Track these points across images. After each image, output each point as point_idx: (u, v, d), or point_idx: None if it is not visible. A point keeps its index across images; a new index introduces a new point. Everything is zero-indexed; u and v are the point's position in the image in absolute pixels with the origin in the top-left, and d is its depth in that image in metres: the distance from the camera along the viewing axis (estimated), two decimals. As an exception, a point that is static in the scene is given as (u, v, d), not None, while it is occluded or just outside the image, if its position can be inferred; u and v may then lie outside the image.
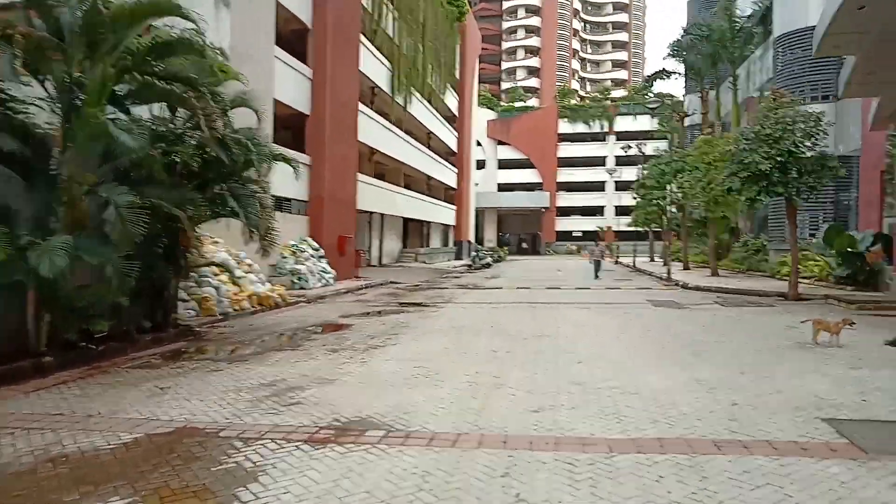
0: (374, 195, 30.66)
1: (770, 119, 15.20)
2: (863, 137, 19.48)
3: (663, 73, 40.66)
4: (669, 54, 38.90)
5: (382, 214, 34.78)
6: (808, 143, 14.91)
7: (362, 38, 26.18)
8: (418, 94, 36.13)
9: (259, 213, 9.71)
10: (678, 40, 36.65)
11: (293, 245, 19.73)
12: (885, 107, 16.15)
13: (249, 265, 14.86)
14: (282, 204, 19.96)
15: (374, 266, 33.48)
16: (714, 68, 35.48)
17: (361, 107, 26.94)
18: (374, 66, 28.72)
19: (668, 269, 22.09)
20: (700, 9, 41.05)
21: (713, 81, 37.33)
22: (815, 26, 22.78)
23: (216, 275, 13.20)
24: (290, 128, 21.76)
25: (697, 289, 19.25)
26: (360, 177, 27.59)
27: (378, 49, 29.10)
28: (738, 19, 31.34)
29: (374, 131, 29.51)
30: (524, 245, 71.62)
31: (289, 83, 19.98)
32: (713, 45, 32.24)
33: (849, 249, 16.89)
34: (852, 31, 13.31)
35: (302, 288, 19.00)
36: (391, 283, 24.13)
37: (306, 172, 21.36)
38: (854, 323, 8.89)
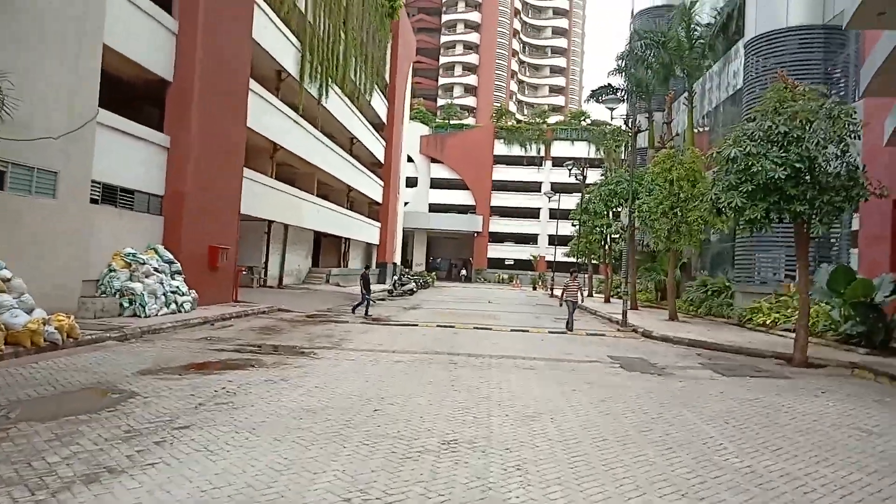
0: (273, 200, 25.30)
1: (783, 114, 11.22)
2: (862, 154, 16.03)
3: (608, 89, 37.43)
4: (616, 69, 35.78)
5: (286, 225, 29.33)
6: (831, 150, 11.00)
7: (261, 1, 21.09)
8: (338, 89, 31.15)
9: None
10: (628, 50, 33.35)
11: (129, 255, 14.17)
12: (913, 113, 12.58)
13: (6, 280, 9.33)
14: (117, 196, 14.43)
15: (270, 287, 27.89)
16: (665, 84, 32.43)
17: (258, 88, 21.74)
18: (278, 43, 23.60)
19: (625, 312, 17.83)
20: (646, 23, 38.28)
21: (662, 101, 34.42)
22: (795, 27, 19.68)
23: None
24: (142, 96, 16.33)
25: (665, 340, 14.99)
26: (253, 175, 22.28)
27: (285, 23, 24.03)
28: (696, 27, 28.22)
29: (275, 122, 24.27)
30: (463, 272, 66.78)
31: (136, 31, 14.59)
32: (669, 54, 28.96)
33: (862, 299, 13.10)
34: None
35: (135, 314, 13.49)
36: (279, 310, 18.83)
37: (162, 157, 15.90)
38: None
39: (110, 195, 14.13)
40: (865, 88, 12.86)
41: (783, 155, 10.76)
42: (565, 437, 5.85)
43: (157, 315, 13.80)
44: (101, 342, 10.43)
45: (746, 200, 11.14)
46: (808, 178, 10.92)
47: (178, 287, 15.00)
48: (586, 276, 41.36)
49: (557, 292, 40.85)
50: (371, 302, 19.24)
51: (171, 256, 15.42)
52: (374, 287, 36.46)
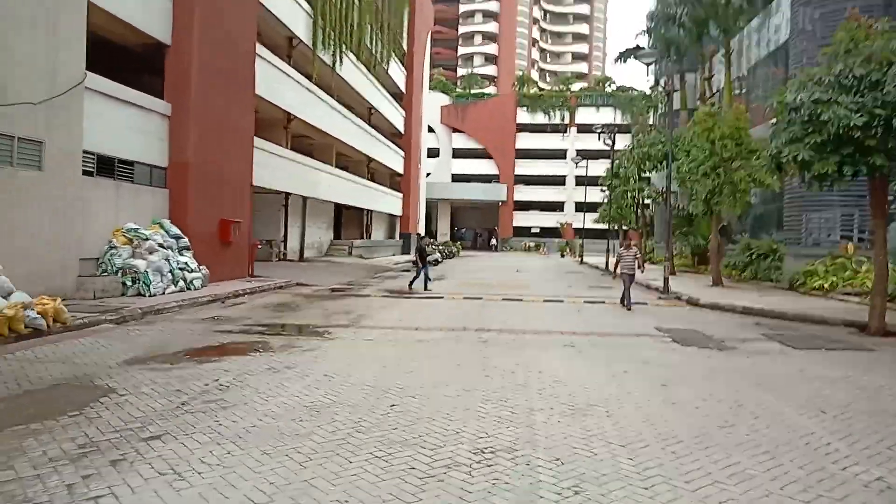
0: (289, 172, 24.27)
1: (857, 55, 9.68)
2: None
3: (637, 50, 35.44)
4: (645, 29, 33.85)
5: (304, 198, 28.36)
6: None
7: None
8: (353, 57, 29.76)
9: None
10: (658, 8, 31.26)
11: (131, 230, 13.24)
12: None
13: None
14: (115, 168, 13.45)
15: (290, 261, 27.04)
16: (698, 43, 30.36)
17: (267, 54, 20.55)
18: (287, 7, 22.34)
19: (666, 279, 16.48)
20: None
21: (694, 61, 32.41)
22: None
23: None
24: (143, 64, 15.26)
25: (715, 307, 13.68)
26: (265, 145, 21.22)
27: (294, -16, 22.71)
28: (735, -21, 26.11)
29: (289, 91, 23.11)
30: (492, 241, 65.22)
31: (127, -12, 13.46)
32: (704, 9, 26.96)
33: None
34: None
35: (139, 294, 12.60)
36: (298, 285, 17.92)
37: (164, 127, 14.86)
38: None
39: (107, 167, 13.16)
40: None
41: (860, 101, 9.26)
42: (628, 438, 4.68)
43: (163, 293, 12.91)
44: (95, 325, 9.52)
45: (815, 153, 9.69)
46: (886, 127, 9.41)
47: (186, 263, 14.08)
48: (617, 242, 39.77)
49: (588, 259, 39.38)
50: (426, 276, 16.97)
51: (178, 231, 14.48)
52: (396, 259, 35.31)
